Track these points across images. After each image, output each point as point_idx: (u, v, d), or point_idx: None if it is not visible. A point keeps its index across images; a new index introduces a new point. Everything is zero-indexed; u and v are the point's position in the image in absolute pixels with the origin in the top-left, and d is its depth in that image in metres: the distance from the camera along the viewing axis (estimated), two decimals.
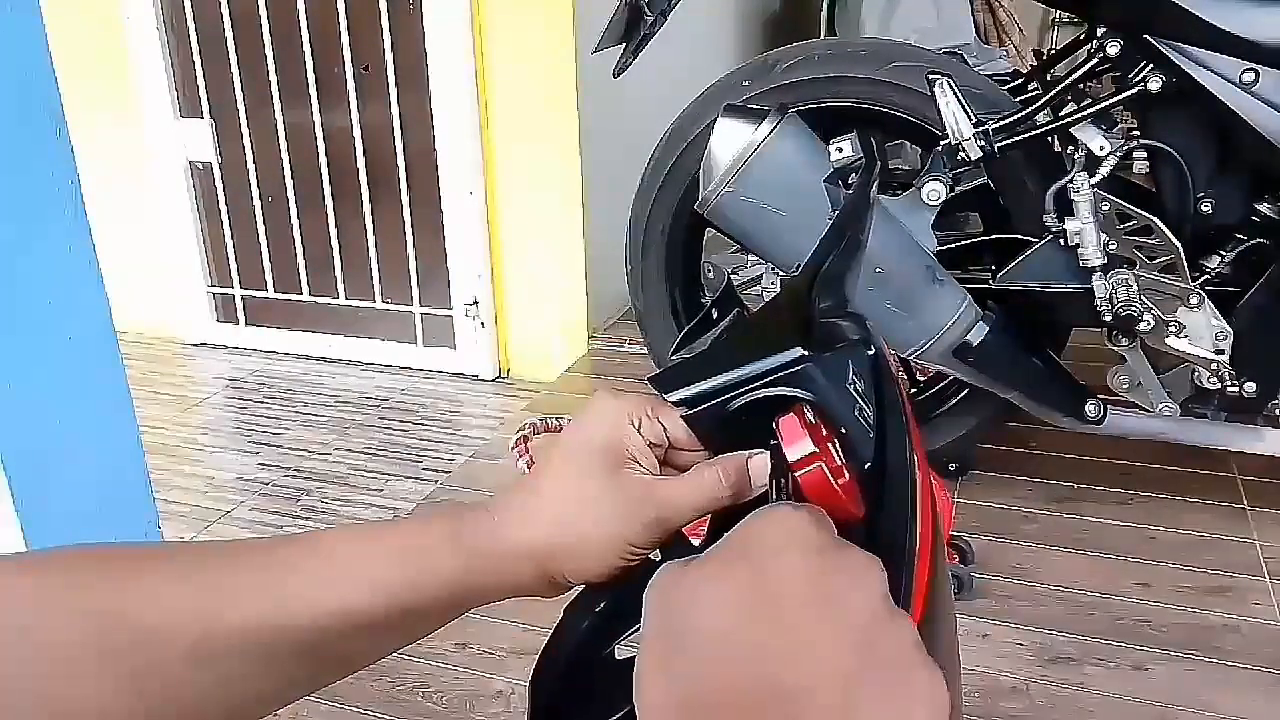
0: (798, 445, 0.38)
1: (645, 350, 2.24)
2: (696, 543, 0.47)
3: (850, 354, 0.44)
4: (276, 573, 0.42)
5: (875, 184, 0.54)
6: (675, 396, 0.44)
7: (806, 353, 0.42)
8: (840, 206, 0.51)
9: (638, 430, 0.44)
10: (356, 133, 2.71)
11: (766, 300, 0.49)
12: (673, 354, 0.47)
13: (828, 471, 0.38)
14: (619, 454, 0.44)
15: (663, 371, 0.45)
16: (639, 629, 0.43)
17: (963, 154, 1.58)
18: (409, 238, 2.77)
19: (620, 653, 0.44)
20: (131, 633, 0.38)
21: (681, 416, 0.45)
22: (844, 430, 0.42)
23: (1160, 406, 1.69)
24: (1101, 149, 1.56)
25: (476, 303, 2.73)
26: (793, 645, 0.30)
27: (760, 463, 0.43)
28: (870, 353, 0.45)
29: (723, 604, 0.31)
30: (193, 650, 0.39)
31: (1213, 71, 1.48)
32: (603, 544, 0.44)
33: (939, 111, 1.57)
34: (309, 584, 0.42)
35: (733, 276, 2.22)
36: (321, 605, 0.41)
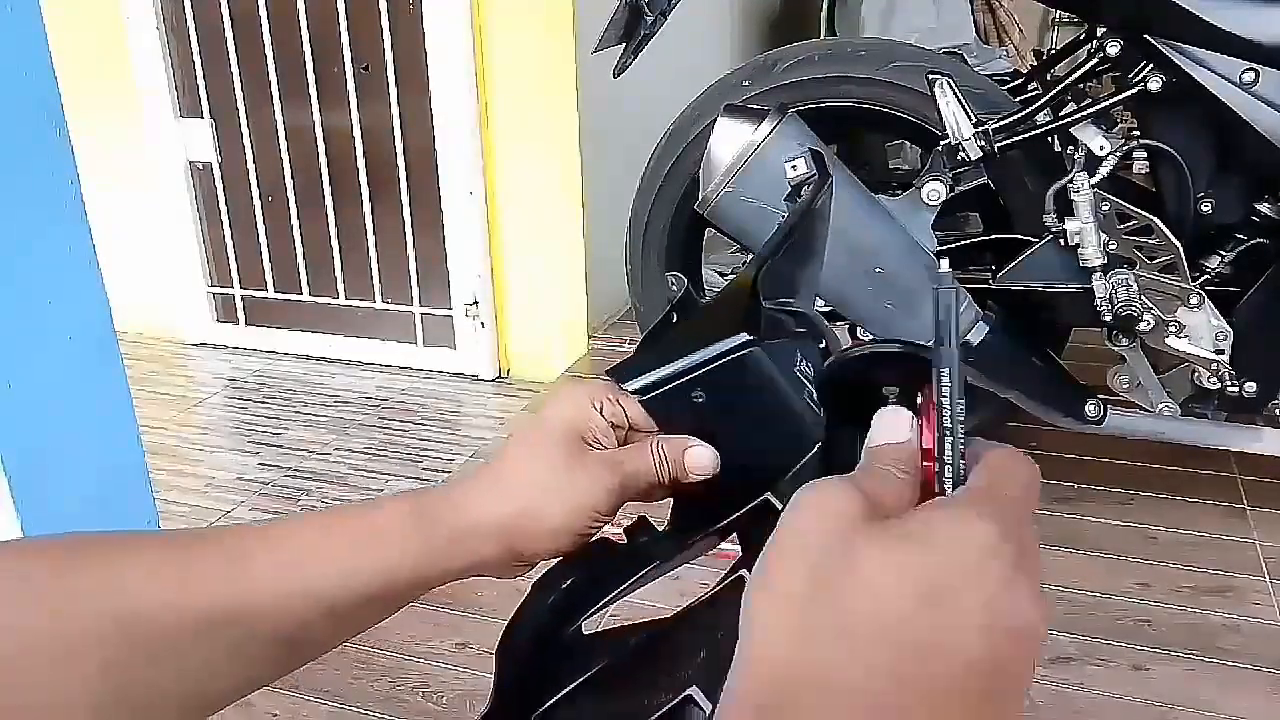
0: (928, 436, 0.37)
1: None
2: (661, 530, 0.48)
3: (799, 345, 0.46)
4: (239, 560, 0.42)
5: (828, 197, 0.57)
6: (632, 386, 0.47)
7: (751, 338, 0.44)
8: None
9: (600, 413, 0.46)
10: (356, 133, 2.71)
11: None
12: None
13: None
14: (581, 434, 0.46)
15: (620, 363, 0.47)
16: (602, 606, 0.45)
17: (963, 154, 1.58)
18: (409, 238, 2.77)
19: (586, 628, 0.46)
20: (97, 624, 0.38)
21: (639, 402, 0.47)
22: (820, 414, 0.44)
23: (1160, 406, 1.69)
24: (1101, 149, 1.56)
25: (476, 303, 2.73)
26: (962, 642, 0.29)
27: (697, 453, 0.46)
28: (821, 346, 0.47)
29: (902, 592, 0.30)
30: (160, 640, 0.39)
31: (1213, 71, 1.48)
32: (567, 514, 0.45)
33: (939, 111, 1.58)
34: (272, 570, 0.42)
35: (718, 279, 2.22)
36: (284, 590, 0.42)
